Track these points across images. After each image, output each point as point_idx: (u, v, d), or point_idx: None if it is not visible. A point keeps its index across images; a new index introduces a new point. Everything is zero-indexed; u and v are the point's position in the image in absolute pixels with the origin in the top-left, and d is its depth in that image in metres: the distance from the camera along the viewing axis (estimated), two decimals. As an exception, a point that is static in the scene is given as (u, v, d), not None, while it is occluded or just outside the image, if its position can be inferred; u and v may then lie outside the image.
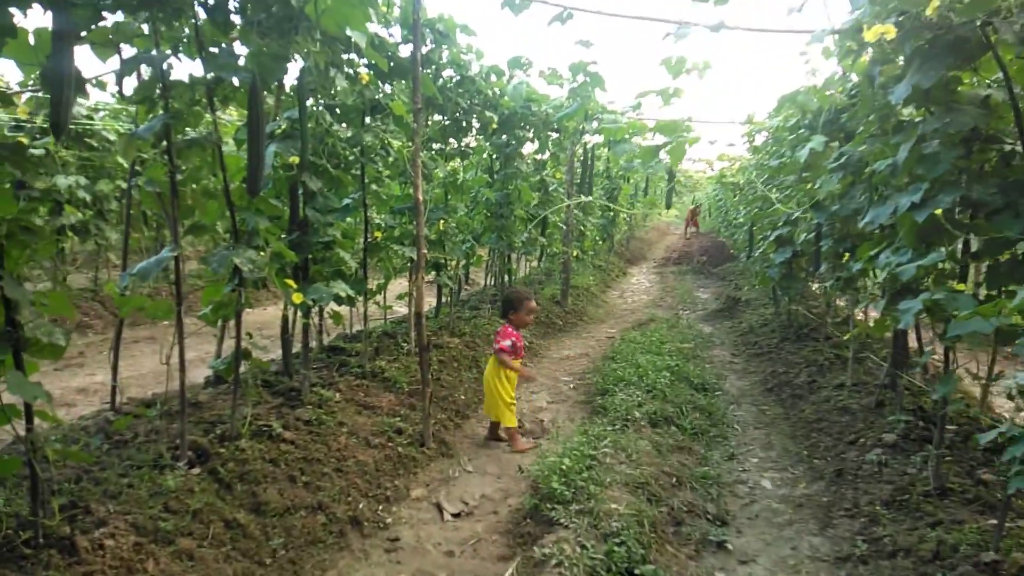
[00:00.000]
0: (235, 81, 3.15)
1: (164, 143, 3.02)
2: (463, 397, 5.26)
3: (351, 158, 4.49)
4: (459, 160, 6.32)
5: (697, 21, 3.62)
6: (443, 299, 6.90)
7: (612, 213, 14.35)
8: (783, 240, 7.21)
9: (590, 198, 3.12)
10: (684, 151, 5.62)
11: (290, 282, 3.29)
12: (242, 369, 3.59)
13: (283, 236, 3.95)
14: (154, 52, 2.88)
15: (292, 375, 4.41)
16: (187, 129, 3.25)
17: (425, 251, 4.22)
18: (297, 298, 3.46)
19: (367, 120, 4.51)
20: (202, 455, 3.22)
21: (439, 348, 6.00)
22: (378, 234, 4.78)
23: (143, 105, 3.05)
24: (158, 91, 2.99)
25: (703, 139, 6.05)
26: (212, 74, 3.09)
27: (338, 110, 4.41)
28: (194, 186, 3.46)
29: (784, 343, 7.10)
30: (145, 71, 3.14)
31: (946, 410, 3.42)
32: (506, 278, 8.80)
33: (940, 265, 3.42)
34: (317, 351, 5.19)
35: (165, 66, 2.96)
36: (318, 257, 4.16)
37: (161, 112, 2.98)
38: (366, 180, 4.70)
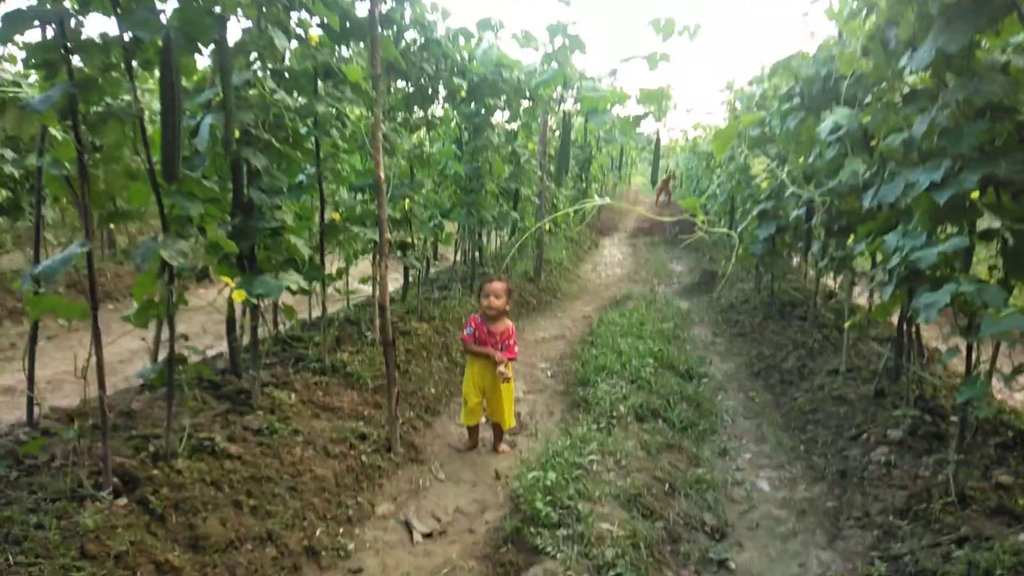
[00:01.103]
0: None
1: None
2: (433, 391, 4.86)
3: (303, 131, 3.99)
4: (425, 131, 5.83)
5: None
6: (410, 280, 6.45)
7: (584, 184, 13.93)
8: (767, 215, 6.89)
9: (606, 200, 2.70)
10: (732, 137, 5.18)
11: (227, 279, 2.82)
12: (183, 374, 3.14)
13: (227, 220, 3.47)
14: (48, 5, 2.36)
15: (241, 375, 3.96)
16: (107, 100, 2.75)
17: (389, 235, 3.77)
18: (238, 296, 2.99)
19: (320, 87, 4.00)
20: (130, 481, 2.77)
21: (406, 335, 5.57)
22: (336, 215, 4.31)
23: (42, 70, 2.53)
24: (61, 53, 2.47)
25: (679, 107, 5.68)
26: (129, 33, 2.59)
27: (287, 75, 3.90)
28: (115, 166, 2.96)
29: (768, 322, 6.82)
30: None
31: (968, 413, 3.12)
32: (477, 254, 8.37)
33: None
34: (271, 344, 4.73)
35: (74, 23, 2.45)
36: (267, 244, 3.68)
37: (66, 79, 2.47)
38: (321, 155, 4.20)
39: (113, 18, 2.57)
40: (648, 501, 3.16)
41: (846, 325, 4.55)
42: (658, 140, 6.59)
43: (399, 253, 5.89)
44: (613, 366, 5.07)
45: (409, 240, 5.91)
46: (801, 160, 5.18)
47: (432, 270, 8.91)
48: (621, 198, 27.96)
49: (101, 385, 2.64)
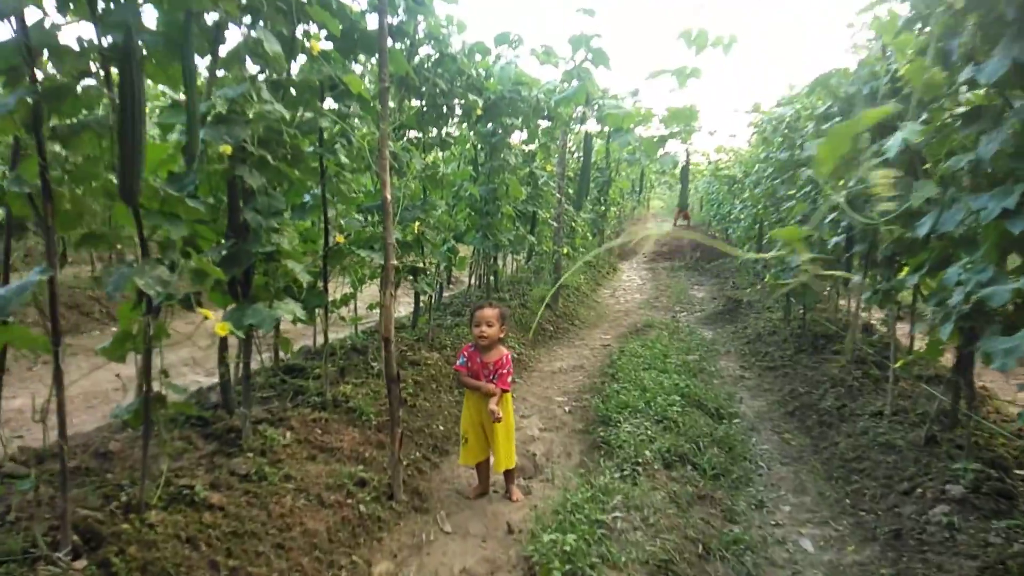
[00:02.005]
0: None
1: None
2: (442, 427, 4.52)
3: (308, 148, 3.72)
4: (439, 151, 5.56)
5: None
6: (421, 306, 6.14)
7: (603, 208, 13.63)
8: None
9: (663, 228, 2.42)
10: (846, 141, 4.81)
11: (206, 312, 2.50)
12: (162, 413, 2.83)
13: (222, 244, 3.18)
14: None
15: (233, 410, 3.65)
16: (84, 111, 2.49)
17: (395, 261, 3.47)
18: (221, 329, 2.68)
19: (325, 101, 3.73)
20: (93, 538, 2.45)
21: (416, 366, 5.25)
22: (340, 238, 4.02)
23: (2, 76, 2.26)
24: (23, 56, 2.20)
25: (702, 129, 5.34)
26: (108, 38, 2.33)
27: (292, 90, 3.63)
28: (93, 184, 2.69)
29: (800, 356, 6.41)
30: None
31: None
32: (492, 279, 8.06)
33: None
34: (269, 375, 4.42)
35: (49, 24, 2.20)
36: (264, 269, 3.38)
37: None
38: (326, 174, 3.92)
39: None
40: (680, 569, 2.78)
41: (896, 365, 4.16)
42: (687, 162, 6.25)
43: (410, 278, 5.59)
44: (636, 403, 4.70)
45: (421, 264, 5.61)
46: (841, 183, 4.81)
47: (446, 294, 8.62)
48: (639, 223, 27.64)
49: (62, 433, 2.32)
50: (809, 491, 3.99)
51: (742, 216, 11.46)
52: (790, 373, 6.09)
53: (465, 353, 3.66)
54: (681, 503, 3.47)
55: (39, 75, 2.23)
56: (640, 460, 3.84)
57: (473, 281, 8.95)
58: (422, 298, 5.96)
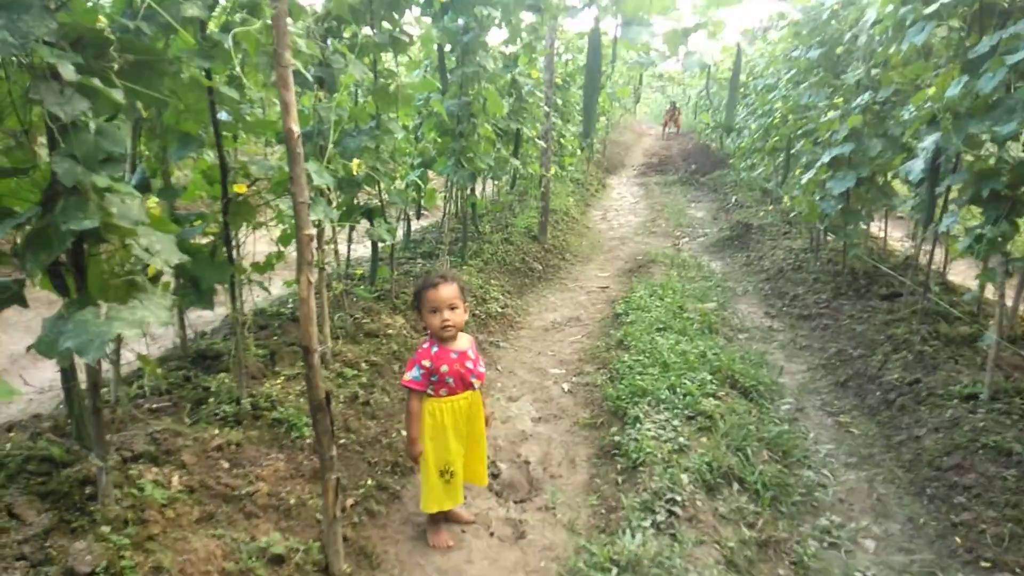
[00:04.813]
0: None
1: None
2: (406, 432, 3.43)
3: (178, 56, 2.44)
4: (393, 55, 4.21)
5: None
6: (380, 255, 4.92)
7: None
8: (841, 163, 5.34)
9: None
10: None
11: None
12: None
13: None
14: None
15: (92, 445, 2.51)
16: None
17: (312, 230, 2.25)
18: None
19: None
20: None
21: (373, 337, 4.12)
22: (240, 187, 2.79)
23: None
24: None
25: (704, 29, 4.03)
26: None
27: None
28: None
29: (840, 302, 5.35)
30: None
31: None
32: (471, 209, 6.83)
33: None
34: (163, 375, 3.25)
35: None
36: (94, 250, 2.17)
37: None
38: (214, 95, 2.64)
39: None
40: None
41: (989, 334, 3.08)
42: (739, 54, 4.94)
43: (364, 221, 4.37)
44: (657, 389, 3.63)
45: (378, 204, 4.38)
46: (932, 89, 3.58)
47: (416, 227, 7.39)
48: (627, 130, 26.08)
49: None
50: (895, 515, 2.99)
51: (752, 125, 10.16)
52: (831, 326, 5.04)
53: (426, 357, 2.52)
54: (739, 563, 2.46)
55: None
56: (674, 486, 2.80)
57: (450, 209, 7.69)
58: (381, 246, 4.75)
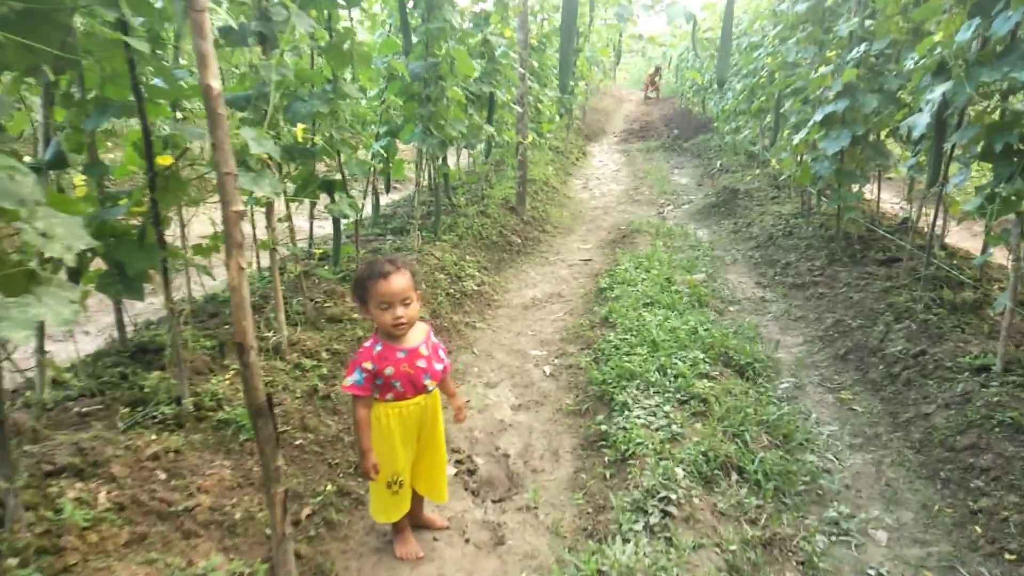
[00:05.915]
0: None
1: None
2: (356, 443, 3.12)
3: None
4: (347, 10, 3.82)
5: None
6: (343, 233, 4.57)
7: (572, 83, 11.79)
8: (834, 121, 5.03)
9: None
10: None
11: None
12: None
13: None
14: None
15: (11, 454, 2.18)
16: None
17: (241, 207, 1.91)
18: None
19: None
20: None
21: (336, 323, 3.80)
22: (165, 159, 2.44)
23: None
24: None
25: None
26: None
27: None
28: None
29: (836, 268, 5.08)
30: None
31: None
32: (444, 180, 6.46)
33: None
34: (101, 368, 2.92)
35: None
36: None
37: None
38: (131, 45, 2.27)
39: None
40: None
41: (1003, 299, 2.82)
42: (731, 8, 4.60)
43: (325, 195, 4.02)
44: (647, 371, 3.34)
45: (339, 178, 4.03)
46: (940, 35, 3.27)
47: (385, 201, 7.03)
48: (606, 95, 25.59)
49: None
50: (907, 502, 2.75)
51: (735, 86, 9.83)
52: (827, 295, 4.78)
53: (368, 359, 2.18)
54: (743, 568, 2.19)
55: None
56: (668, 481, 2.52)
57: (422, 181, 7.31)
58: (343, 222, 4.40)
